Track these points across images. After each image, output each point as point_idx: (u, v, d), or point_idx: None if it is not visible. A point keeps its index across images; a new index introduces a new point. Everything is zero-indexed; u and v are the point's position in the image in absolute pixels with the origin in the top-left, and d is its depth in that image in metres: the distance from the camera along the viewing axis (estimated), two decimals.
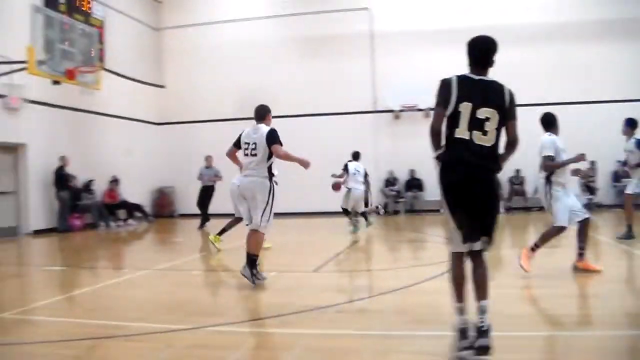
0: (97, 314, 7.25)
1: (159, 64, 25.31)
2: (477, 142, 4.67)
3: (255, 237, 8.24)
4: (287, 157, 8.19)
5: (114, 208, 20.16)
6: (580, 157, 8.16)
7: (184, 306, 7.30)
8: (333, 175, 15.42)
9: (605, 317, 6.14)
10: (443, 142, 4.80)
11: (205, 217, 18.26)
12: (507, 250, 10.98)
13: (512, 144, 4.89)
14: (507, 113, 4.75)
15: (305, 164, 8.23)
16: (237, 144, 8.64)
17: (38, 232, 17.20)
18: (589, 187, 19.88)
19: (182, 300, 7.90)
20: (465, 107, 4.68)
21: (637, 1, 21.52)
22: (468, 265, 4.97)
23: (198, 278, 9.78)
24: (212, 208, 18.29)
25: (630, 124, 11.70)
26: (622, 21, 21.34)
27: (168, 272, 10.59)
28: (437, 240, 14.14)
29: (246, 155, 8.41)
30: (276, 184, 8.35)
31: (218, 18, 24.51)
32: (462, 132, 4.68)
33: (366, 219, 16.20)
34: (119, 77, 21.34)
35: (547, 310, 6.69)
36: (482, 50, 4.93)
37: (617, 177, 20.18)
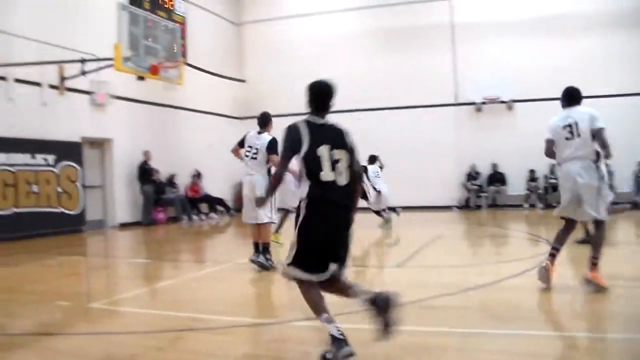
0: (179, 306, 7.38)
1: (240, 58, 25.60)
2: (338, 182, 4.86)
3: (264, 229, 9.35)
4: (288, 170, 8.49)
5: (197, 202, 20.52)
6: None
7: (266, 300, 7.36)
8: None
9: None
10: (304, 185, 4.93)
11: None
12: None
13: (359, 176, 5.22)
14: (352, 152, 5.03)
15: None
16: (241, 144, 9.89)
17: (123, 225, 17.67)
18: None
19: (264, 293, 7.97)
20: (323, 151, 4.85)
21: None
22: None
23: (279, 272, 9.81)
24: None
25: None
26: None
27: (250, 266, 10.69)
28: (520, 236, 13.89)
29: (246, 156, 9.61)
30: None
31: (297, 12, 24.62)
32: (327, 175, 4.83)
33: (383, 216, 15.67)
34: (200, 71, 21.66)
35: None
36: (323, 96, 5.24)
37: None
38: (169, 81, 15.92)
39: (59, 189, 16.10)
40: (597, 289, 6.78)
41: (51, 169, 15.87)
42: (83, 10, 17.15)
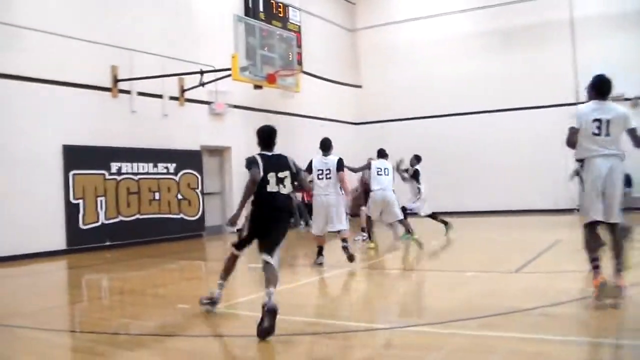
0: (296, 310, 7.44)
1: (355, 64, 25.73)
2: (280, 191, 6.96)
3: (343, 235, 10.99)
4: (344, 183, 11.04)
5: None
6: None
7: (381, 305, 7.33)
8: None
9: None
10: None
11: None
12: None
13: (307, 190, 7.90)
14: (295, 173, 7.21)
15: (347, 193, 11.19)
16: (309, 170, 11.18)
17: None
18: None
19: (380, 299, 7.94)
20: (272, 175, 6.95)
21: None
22: None
23: (394, 277, 9.77)
24: None
25: None
26: None
27: (366, 271, 10.70)
28: None
29: (319, 179, 11.19)
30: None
31: (410, 15, 24.57)
32: (272, 187, 6.92)
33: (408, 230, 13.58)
34: (316, 79, 21.87)
35: None
36: (266, 137, 7.56)
37: None
38: (286, 89, 16.15)
39: (180, 196, 16.63)
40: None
41: (172, 176, 16.42)
42: (201, 23, 17.71)
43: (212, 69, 15.64)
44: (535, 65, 21.89)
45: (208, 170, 18.02)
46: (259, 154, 7.27)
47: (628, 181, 20.63)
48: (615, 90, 20.34)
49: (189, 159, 17.01)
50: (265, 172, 6.95)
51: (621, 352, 5.05)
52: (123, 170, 15.15)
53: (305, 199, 20.34)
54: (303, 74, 18.52)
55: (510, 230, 15.89)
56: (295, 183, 7.30)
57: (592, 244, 6.99)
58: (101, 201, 14.62)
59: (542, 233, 15.26)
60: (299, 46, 18.32)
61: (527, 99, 21.94)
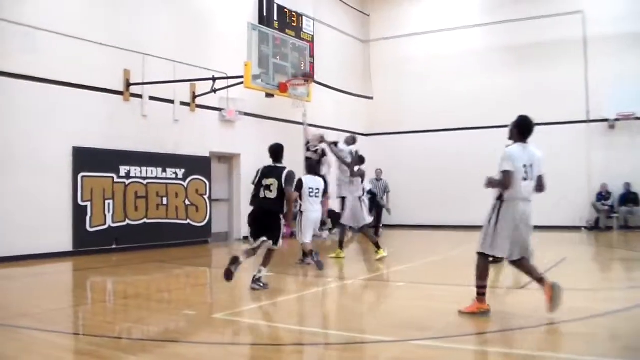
0: (301, 320, 7.45)
1: (367, 75, 25.73)
2: (266, 196, 9.32)
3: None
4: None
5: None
6: None
7: (389, 318, 7.30)
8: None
9: None
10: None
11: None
12: None
13: (289, 199, 9.47)
14: (283, 180, 9.32)
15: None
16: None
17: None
18: None
19: (387, 311, 7.93)
20: (264, 182, 9.43)
21: None
22: None
23: (403, 290, 9.74)
24: None
25: None
26: None
27: (372, 283, 10.67)
28: None
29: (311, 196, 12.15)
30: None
31: (423, 29, 24.64)
32: (261, 192, 9.38)
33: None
34: (328, 89, 21.88)
35: None
36: (272, 153, 10.03)
37: None
38: (297, 98, 16.17)
39: (187, 202, 16.65)
40: None
41: (180, 182, 16.45)
42: (215, 30, 17.81)
43: (224, 75, 15.70)
44: (547, 82, 21.91)
45: (216, 177, 18.04)
46: (263, 166, 9.84)
47: (636, 201, 20.60)
48: (626, 110, 20.47)
49: (197, 165, 17.04)
50: (259, 180, 9.55)
51: None
52: (132, 174, 15.18)
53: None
54: (315, 83, 18.52)
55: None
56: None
57: (484, 272, 7.16)
58: (109, 204, 14.64)
59: (549, 250, 15.18)
60: (312, 56, 18.34)
61: (538, 115, 21.55)
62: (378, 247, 13.17)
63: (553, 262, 12.28)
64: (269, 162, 9.81)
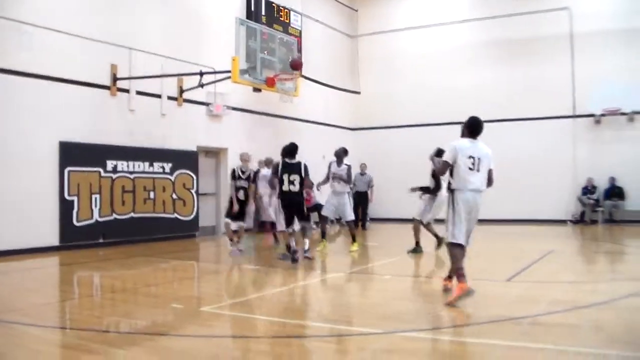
0: (288, 313, 7.48)
1: (355, 70, 25.75)
2: (290, 189, 11.34)
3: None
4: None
5: (308, 211, 20.66)
6: None
7: (375, 310, 7.34)
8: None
9: None
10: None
11: (359, 221, 20.32)
12: None
13: (307, 185, 11.73)
14: (303, 174, 11.40)
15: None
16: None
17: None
18: None
19: (373, 304, 7.97)
20: (285, 177, 11.29)
21: None
22: None
23: (390, 282, 9.79)
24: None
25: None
26: None
27: (360, 276, 10.73)
28: (638, 253, 13.35)
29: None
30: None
31: (411, 24, 24.68)
32: (286, 185, 11.31)
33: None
34: (315, 83, 21.90)
35: None
36: (287, 150, 11.67)
37: None
38: (285, 93, 16.17)
39: (175, 196, 16.64)
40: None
41: (167, 176, 16.44)
42: (202, 25, 17.77)
43: (211, 70, 15.68)
44: (534, 78, 22.05)
45: (204, 171, 18.03)
46: (282, 162, 11.54)
47: (620, 195, 20.75)
48: (612, 105, 20.60)
49: (185, 159, 17.03)
50: (281, 175, 11.39)
51: None
52: (119, 169, 15.15)
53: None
54: (303, 78, 18.54)
55: (503, 239, 15.93)
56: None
57: (458, 256, 7.59)
58: (96, 198, 14.61)
59: (535, 243, 15.34)
60: (300, 50, 18.35)
61: (525, 110, 22.07)
62: (354, 240, 13.69)
63: (540, 254, 12.39)
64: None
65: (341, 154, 13.68)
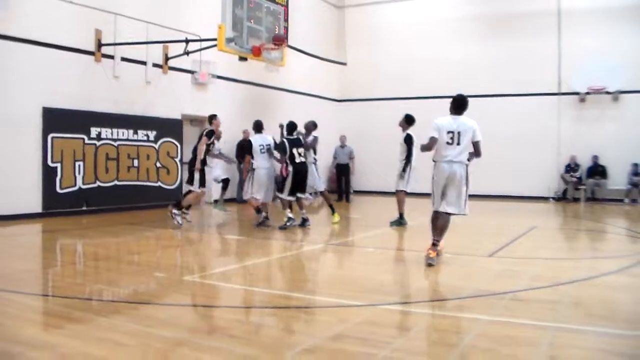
0: (271, 284, 7.53)
1: (341, 41, 25.63)
2: (302, 160, 12.52)
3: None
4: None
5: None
6: None
7: (357, 282, 7.39)
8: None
9: None
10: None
11: (342, 192, 21.03)
12: None
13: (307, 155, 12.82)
14: (305, 147, 12.75)
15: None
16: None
17: (217, 202, 18.01)
18: None
19: (356, 276, 8.01)
20: (295, 151, 12.40)
21: None
22: None
23: (373, 255, 9.85)
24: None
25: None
26: None
27: (343, 248, 10.78)
28: (619, 232, 13.44)
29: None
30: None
31: None
32: (298, 157, 12.43)
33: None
34: (301, 54, 21.79)
35: None
36: (290, 127, 12.93)
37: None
38: (271, 62, 16.08)
39: (159, 164, 16.60)
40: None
41: (152, 144, 16.37)
42: None
43: (197, 38, 15.56)
44: (520, 54, 22.00)
45: (188, 140, 17.93)
46: (286, 138, 12.77)
47: (603, 173, 20.90)
48: (597, 84, 20.65)
49: (169, 128, 16.95)
50: (290, 149, 12.45)
51: (586, 337, 5.14)
52: (103, 136, 15.07)
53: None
54: (289, 48, 18.43)
55: (487, 215, 16.00)
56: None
57: (435, 225, 8.54)
58: (79, 166, 14.53)
59: (517, 219, 15.44)
60: (286, 20, 18.20)
61: (510, 86, 22.07)
62: (333, 211, 13.82)
63: (522, 231, 12.49)
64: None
65: (311, 126, 13.79)
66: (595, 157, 21.09)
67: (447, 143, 8.28)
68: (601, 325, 5.47)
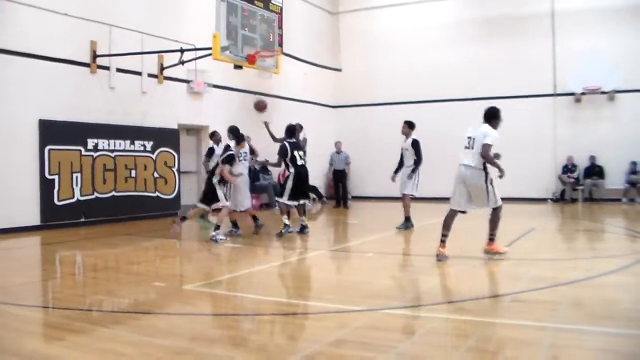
0: (271, 291, 7.51)
1: (336, 47, 25.67)
2: (303, 162, 12.30)
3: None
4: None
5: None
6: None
7: (357, 288, 7.39)
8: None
9: None
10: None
11: (340, 198, 20.86)
12: None
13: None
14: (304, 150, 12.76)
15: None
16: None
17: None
18: None
19: (356, 281, 8.00)
20: (295, 153, 12.19)
21: None
22: None
23: (372, 260, 9.84)
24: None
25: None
26: None
27: (342, 254, 10.78)
28: (617, 232, 13.45)
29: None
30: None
31: (393, 1, 24.54)
32: (299, 160, 12.20)
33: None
34: (296, 60, 21.83)
35: None
36: (291, 131, 12.71)
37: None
38: (265, 70, 16.12)
39: (156, 174, 16.59)
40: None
41: (149, 154, 16.37)
42: (183, 1, 17.60)
43: (192, 47, 15.57)
44: (515, 56, 22.00)
45: (185, 149, 17.98)
46: (288, 141, 12.43)
47: (600, 173, 20.92)
48: (592, 84, 20.70)
49: (166, 137, 16.95)
50: (292, 153, 12.20)
51: (587, 337, 5.14)
52: (100, 147, 15.06)
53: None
54: (283, 55, 18.46)
55: (485, 217, 15.97)
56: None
57: (447, 223, 9.20)
58: (77, 177, 14.53)
59: (516, 221, 15.41)
60: (280, 27, 18.23)
61: (505, 88, 22.02)
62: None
63: (521, 232, 12.49)
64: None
65: (298, 128, 14.06)
66: (592, 158, 21.11)
67: (465, 147, 9.06)
68: (602, 325, 5.47)
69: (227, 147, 12.75)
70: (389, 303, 6.46)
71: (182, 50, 15.29)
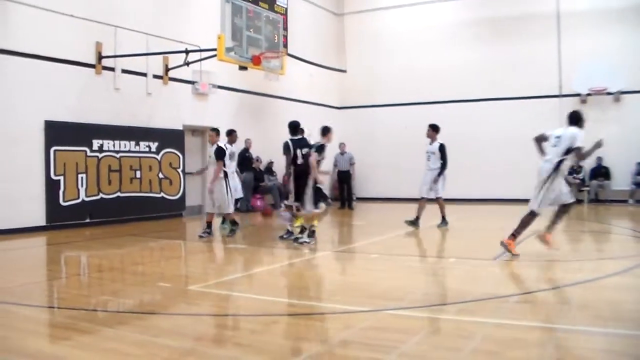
0: (276, 291, 7.51)
1: (341, 48, 25.67)
2: (302, 162, 11.54)
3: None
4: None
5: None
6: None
7: (363, 288, 7.38)
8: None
9: None
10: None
11: (344, 200, 20.91)
12: None
13: (311, 164, 11.47)
14: (310, 147, 11.61)
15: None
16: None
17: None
18: None
19: (361, 282, 8.00)
20: (298, 151, 11.57)
21: None
22: None
23: (378, 261, 9.83)
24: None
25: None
26: None
27: (347, 255, 10.77)
28: (623, 233, 13.42)
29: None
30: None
31: (398, 2, 24.53)
32: (299, 159, 11.52)
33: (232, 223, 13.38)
34: (301, 62, 21.83)
35: None
36: (293, 128, 12.01)
37: None
38: (270, 71, 16.13)
39: (161, 175, 16.61)
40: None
41: (154, 155, 16.39)
42: (188, 2, 17.62)
43: (197, 48, 15.59)
44: (520, 57, 21.95)
45: (190, 150, 17.99)
46: (291, 139, 11.87)
47: (606, 174, 20.87)
48: (598, 85, 20.64)
49: (171, 138, 16.97)
50: (294, 150, 11.67)
51: (593, 338, 5.13)
52: (105, 148, 15.09)
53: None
54: (288, 56, 18.49)
55: (490, 218, 16.00)
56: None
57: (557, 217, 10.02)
58: (82, 178, 14.55)
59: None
60: (285, 29, 18.28)
61: (511, 89, 22.01)
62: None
63: (528, 233, 12.45)
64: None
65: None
66: (598, 159, 21.04)
67: (552, 145, 9.86)
68: (607, 326, 5.47)
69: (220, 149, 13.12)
70: (394, 304, 6.45)
71: (187, 52, 15.32)
